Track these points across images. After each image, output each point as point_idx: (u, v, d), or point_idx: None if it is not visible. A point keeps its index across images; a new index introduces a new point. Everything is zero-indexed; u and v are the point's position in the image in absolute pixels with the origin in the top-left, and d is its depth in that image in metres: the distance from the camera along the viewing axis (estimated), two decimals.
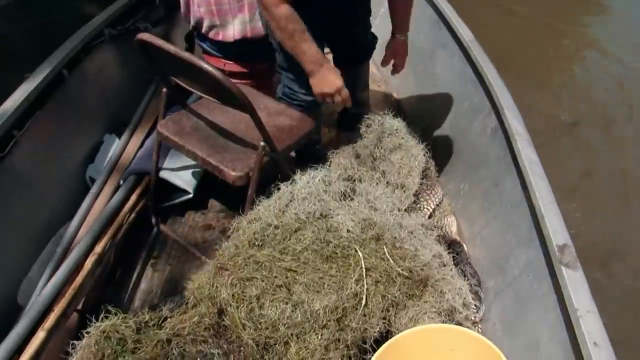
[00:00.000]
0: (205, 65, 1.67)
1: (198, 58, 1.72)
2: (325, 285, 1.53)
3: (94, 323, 1.54)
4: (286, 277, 1.55)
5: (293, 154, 2.44)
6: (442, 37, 2.91)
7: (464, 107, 2.56)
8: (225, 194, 2.50)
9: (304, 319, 1.48)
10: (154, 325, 1.61)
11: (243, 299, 1.53)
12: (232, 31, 2.49)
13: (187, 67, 1.73)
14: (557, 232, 1.54)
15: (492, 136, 2.20)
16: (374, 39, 2.58)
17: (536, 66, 4.61)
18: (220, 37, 2.51)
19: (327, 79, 1.99)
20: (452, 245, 2.03)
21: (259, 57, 2.61)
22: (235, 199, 2.37)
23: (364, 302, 1.53)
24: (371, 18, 2.48)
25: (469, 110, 2.48)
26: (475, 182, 2.25)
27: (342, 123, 2.98)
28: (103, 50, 2.71)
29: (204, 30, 2.52)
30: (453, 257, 1.86)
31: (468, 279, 1.87)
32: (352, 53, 2.56)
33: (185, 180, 2.36)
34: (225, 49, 2.56)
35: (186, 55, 1.71)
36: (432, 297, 1.61)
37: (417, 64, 2.97)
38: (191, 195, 2.36)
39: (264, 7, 1.87)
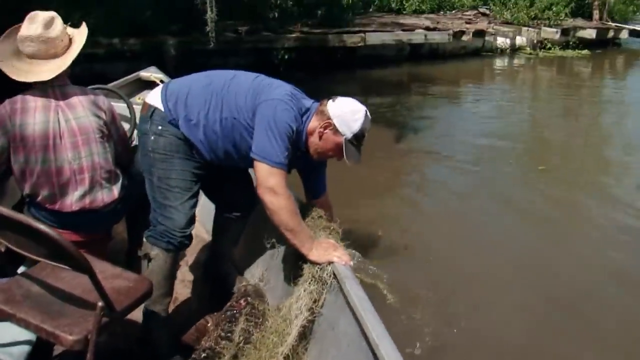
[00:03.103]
0: (42, 227, 1.67)
1: (34, 220, 1.73)
2: None
3: None
4: None
5: None
6: None
7: None
8: None
9: None
10: None
11: None
12: (71, 202, 2.46)
13: (22, 229, 1.72)
14: (391, 357, 1.66)
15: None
16: (251, 205, 2.74)
17: None
18: (57, 207, 2.45)
19: (324, 246, 2.21)
20: None
21: (95, 226, 2.60)
22: None
23: None
24: None
25: None
26: (311, 329, 2.33)
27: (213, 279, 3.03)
28: None
29: (39, 199, 2.44)
30: None
31: None
32: (227, 205, 2.75)
33: (12, 354, 2.19)
34: (61, 219, 2.48)
35: (21, 217, 1.71)
36: None
37: None
38: None
39: (272, 192, 2.14)
